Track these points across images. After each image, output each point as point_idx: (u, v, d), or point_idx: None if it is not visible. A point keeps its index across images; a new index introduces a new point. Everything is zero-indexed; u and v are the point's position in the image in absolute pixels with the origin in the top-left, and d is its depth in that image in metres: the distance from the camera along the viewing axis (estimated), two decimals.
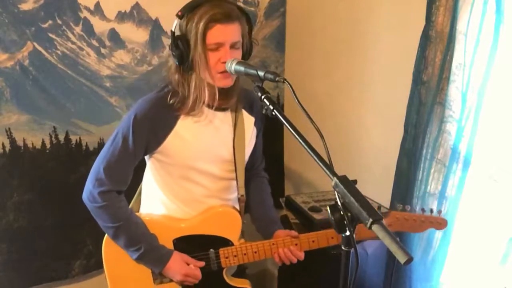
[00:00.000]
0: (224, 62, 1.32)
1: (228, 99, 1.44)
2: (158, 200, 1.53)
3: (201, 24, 1.28)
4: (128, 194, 1.54)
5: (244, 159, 1.53)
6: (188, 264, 1.46)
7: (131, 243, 1.43)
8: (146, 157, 1.50)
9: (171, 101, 1.38)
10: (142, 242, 1.42)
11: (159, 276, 1.49)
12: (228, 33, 1.31)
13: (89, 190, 1.42)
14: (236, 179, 1.52)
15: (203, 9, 1.29)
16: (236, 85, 1.43)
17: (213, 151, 1.46)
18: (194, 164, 1.45)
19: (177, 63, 1.35)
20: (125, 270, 1.49)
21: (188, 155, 1.43)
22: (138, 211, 1.60)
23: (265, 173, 1.74)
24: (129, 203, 1.62)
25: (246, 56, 1.43)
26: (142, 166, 1.54)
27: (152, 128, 1.39)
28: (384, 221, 1.42)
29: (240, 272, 1.66)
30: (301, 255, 1.49)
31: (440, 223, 1.54)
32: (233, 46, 1.34)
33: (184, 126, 1.41)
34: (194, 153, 1.43)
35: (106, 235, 1.47)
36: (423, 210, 1.51)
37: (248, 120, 1.54)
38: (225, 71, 1.33)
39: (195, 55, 1.32)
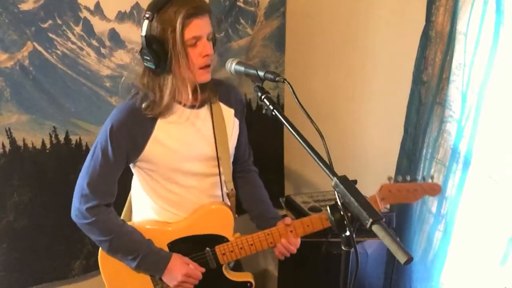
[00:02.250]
0: (205, 56, 1.32)
1: (201, 93, 1.40)
2: (148, 207, 1.51)
3: (178, 22, 1.25)
4: (118, 204, 1.52)
5: (228, 153, 1.50)
6: (188, 265, 1.45)
7: (128, 252, 1.41)
8: (131, 166, 1.48)
9: (142, 106, 1.35)
10: (139, 248, 1.41)
11: (160, 281, 1.48)
12: (204, 25, 1.31)
13: (76, 208, 1.40)
14: (220, 174, 1.50)
15: (173, 6, 1.26)
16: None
17: (195, 150, 1.44)
18: (179, 166, 1.43)
19: (153, 67, 1.31)
20: (125, 281, 1.48)
21: (171, 158, 1.41)
22: (130, 221, 1.58)
23: (254, 166, 1.72)
24: (120, 213, 1.59)
25: (215, 44, 1.42)
26: (129, 175, 1.52)
27: (130, 136, 1.36)
28: (377, 195, 1.46)
29: (237, 267, 1.66)
30: (297, 242, 1.48)
31: (434, 189, 1.51)
32: (208, 38, 1.34)
33: (162, 130, 1.39)
34: (176, 155, 1.41)
35: (100, 249, 1.46)
36: (414, 179, 1.49)
37: (227, 113, 1.51)
38: (206, 66, 1.34)
39: (174, 55, 1.29)
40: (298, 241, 1.49)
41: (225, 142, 1.49)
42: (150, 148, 1.39)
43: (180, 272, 1.42)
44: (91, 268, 2.23)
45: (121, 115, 1.37)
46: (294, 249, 1.48)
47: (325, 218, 1.47)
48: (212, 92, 1.46)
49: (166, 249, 1.47)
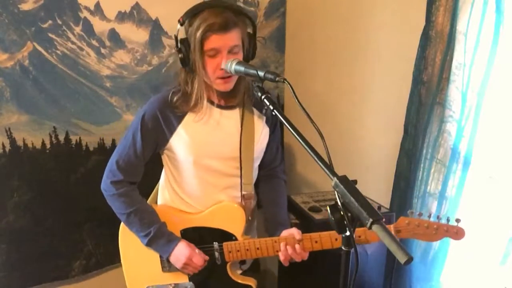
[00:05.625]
0: (222, 69, 1.36)
1: (232, 97, 1.49)
2: (169, 194, 1.60)
3: (199, 33, 1.32)
4: (146, 191, 1.65)
5: (252, 157, 1.54)
6: (193, 250, 1.50)
7: (142, 228, 1.50)
8: (161, 153, 1.56)
9: (174, 99, 1.44)
10: (152, 227, 1.49)
11: (167, 264, 1.55)
12: (224, 41, 1.34)
13: (104, 180, 1.52)
14: (241, 177, 1.54)
15: (201, 16, 1.33)
16: (240, 85, 1.47)
17: (215, 148, 1.50)
18: (198, 161, 1.49)
19: (181, 65, 1.41)
20: (138, 256, 1.58)
21: (191, 152, 1.48)
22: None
23: (284, 175, 1.74)
24: (147, 199, 1.69)
25: (249, 57, 1.45)
26: (159, 166, 1.60)
27: (159, 127, 1.46)
28: (393, 226, 1.42)
29: (254, 268, 1.69)
30: (305, 255, 1.47)
31: (457, 233, 1.40)
32: (231, 51, 1.36)
33: (188, 125, 1.47)
34: (195, 150, 1.48)
35: (121, 223, 1.56)
36: (438, 217, 1.39)
37: (259, 118, 1.55)
38: (224, 77, 1.38)
39: (194, 60, 1.37)
40: (306, 254, 1.47)
41: (250, 145, 1.53)
42: (175, 140, 1.48)
43: (184, 255, 1.49)
44: (91, 268, 2.23)
45: (153, 106, 1.47)
46: (298, 258, 1.46)
47: (335, 238, 1.43)
48: (247, 97, 1.52)
49: (179, 234, 1.55)
